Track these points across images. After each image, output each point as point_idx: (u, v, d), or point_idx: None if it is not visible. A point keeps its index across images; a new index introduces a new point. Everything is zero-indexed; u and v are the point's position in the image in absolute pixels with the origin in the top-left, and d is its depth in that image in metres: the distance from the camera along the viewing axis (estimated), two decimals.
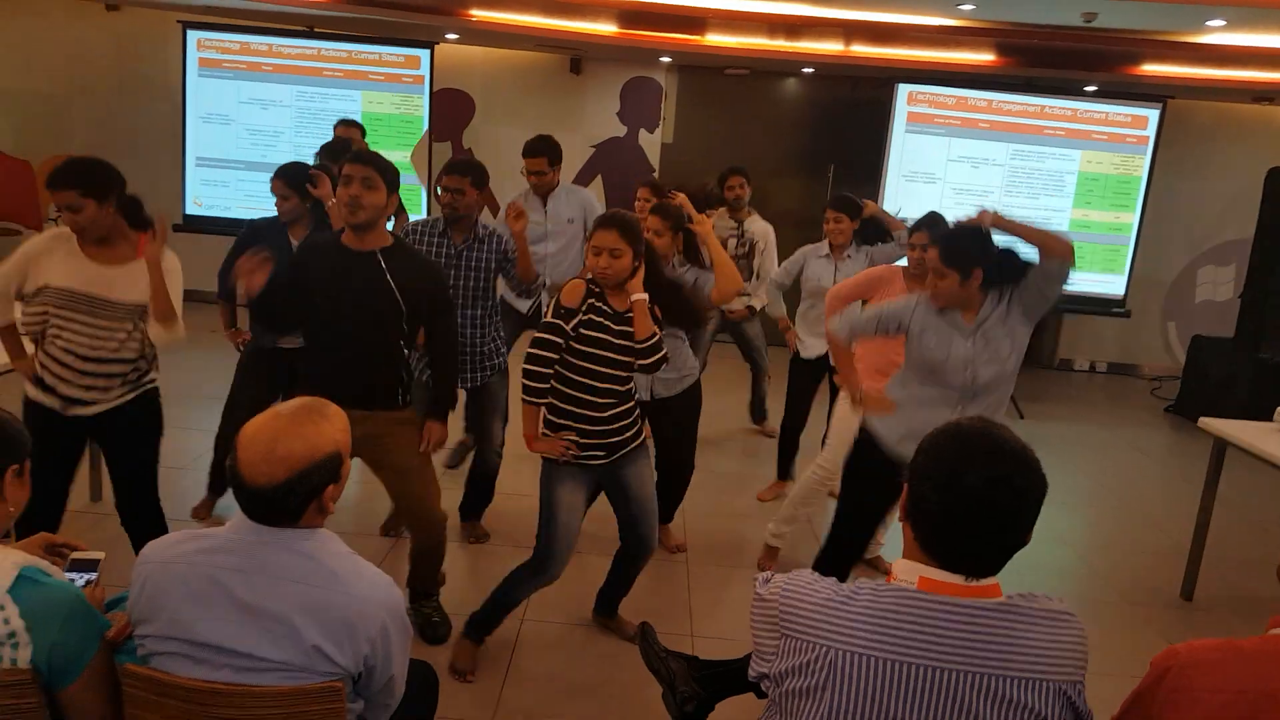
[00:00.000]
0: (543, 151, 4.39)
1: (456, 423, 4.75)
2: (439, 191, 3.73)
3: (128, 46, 7.97)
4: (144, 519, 3.10)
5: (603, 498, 3.19)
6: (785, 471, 4.92)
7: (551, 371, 2.88)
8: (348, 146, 4.42)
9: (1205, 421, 4.03)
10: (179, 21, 7.50)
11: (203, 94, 7.59)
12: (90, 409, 2.93)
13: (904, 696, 1.42)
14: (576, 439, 2.92)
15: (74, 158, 2.85)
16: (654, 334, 2.88)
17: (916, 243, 3.62)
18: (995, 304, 2.92)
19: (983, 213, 2.95)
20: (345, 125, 5.62)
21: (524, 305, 4.48)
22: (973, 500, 1.42)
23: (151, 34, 7.82)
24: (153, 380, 3.09)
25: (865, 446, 3.12)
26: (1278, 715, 1.47)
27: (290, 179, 3.71)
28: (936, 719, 1.42)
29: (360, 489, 4.39)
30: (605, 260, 2.80)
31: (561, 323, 2.84)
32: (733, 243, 5.38)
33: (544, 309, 3.72)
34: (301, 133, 7.54)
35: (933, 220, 3.66)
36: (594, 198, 4.64)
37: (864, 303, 3.76)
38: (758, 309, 5.40)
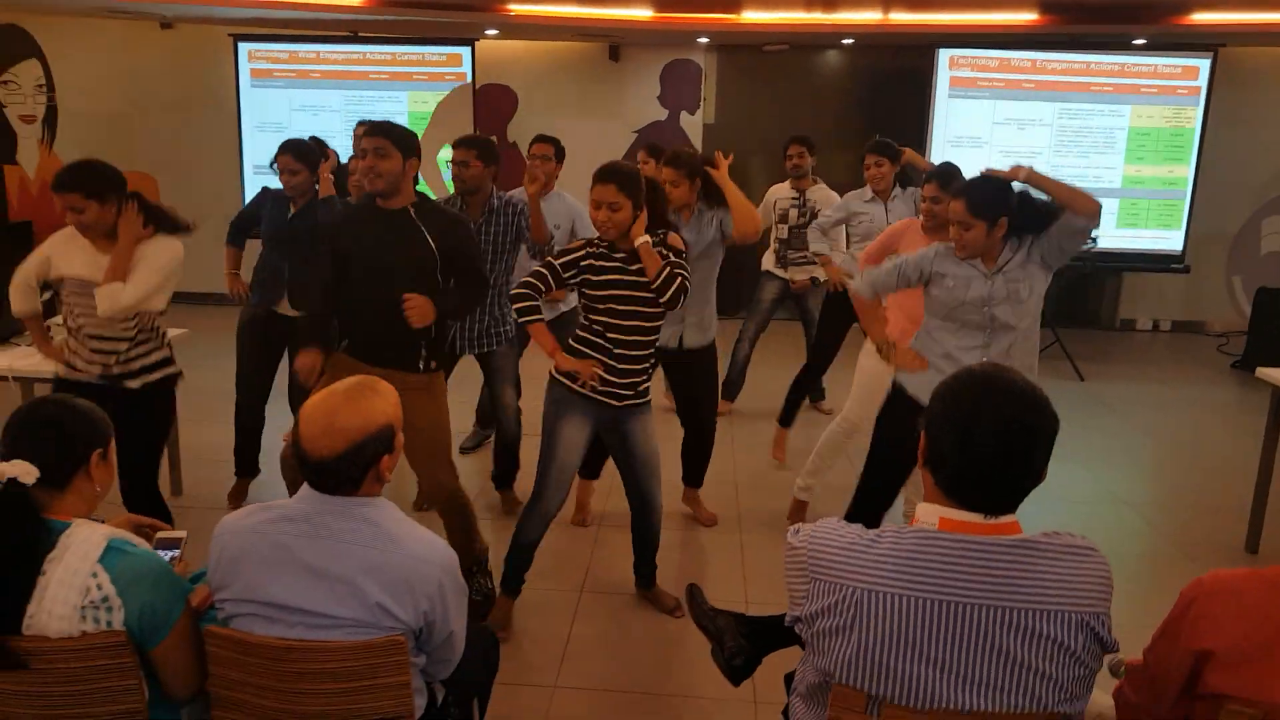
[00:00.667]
0: (551, 141, 4.60)
1: (468, 415, 4.96)
2: (449, 165, 3.98)
3: (183, 62, 8.25)
4: (143, 503, 3.23)
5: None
6: (789, 419, 4.96)
7: (534, 297, 3.02)
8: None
9: (1263, 371, 3.98)
10: (230, 35, 7.75)
11: (256, 104, 7.84)
12: (110, 377, 3.12)
13: (929, 631, 1.48)
14: (602, 372, 3.04)
15: (77, 161, 3.05)
16: (663, 268, 2.94)
17: (927, 194, 3.66)
18: (1014, 250, 3.01)
19: (1016, 167, 3.00)
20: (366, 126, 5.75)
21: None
22: (987, 441, 1.48)
23: (204, 48, 8.09)
24: (169, 369, 3.26)
25: (897, 398, 3.20)
26: None
27: (300, 153, 3.92)
28: (961, 652, 1.47)
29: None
30: (605, 214, 2.93)
31: (554, 260, 3.02)
32: (794, 212, 5.40)
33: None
34: (352, 137, 7.73)
35: (943, 171, 3.70)
36: (583, 209, 4.71)
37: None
38: (821, 280, 5.35)
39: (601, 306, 3.02)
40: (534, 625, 3.32)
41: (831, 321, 4.89)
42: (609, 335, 3.03)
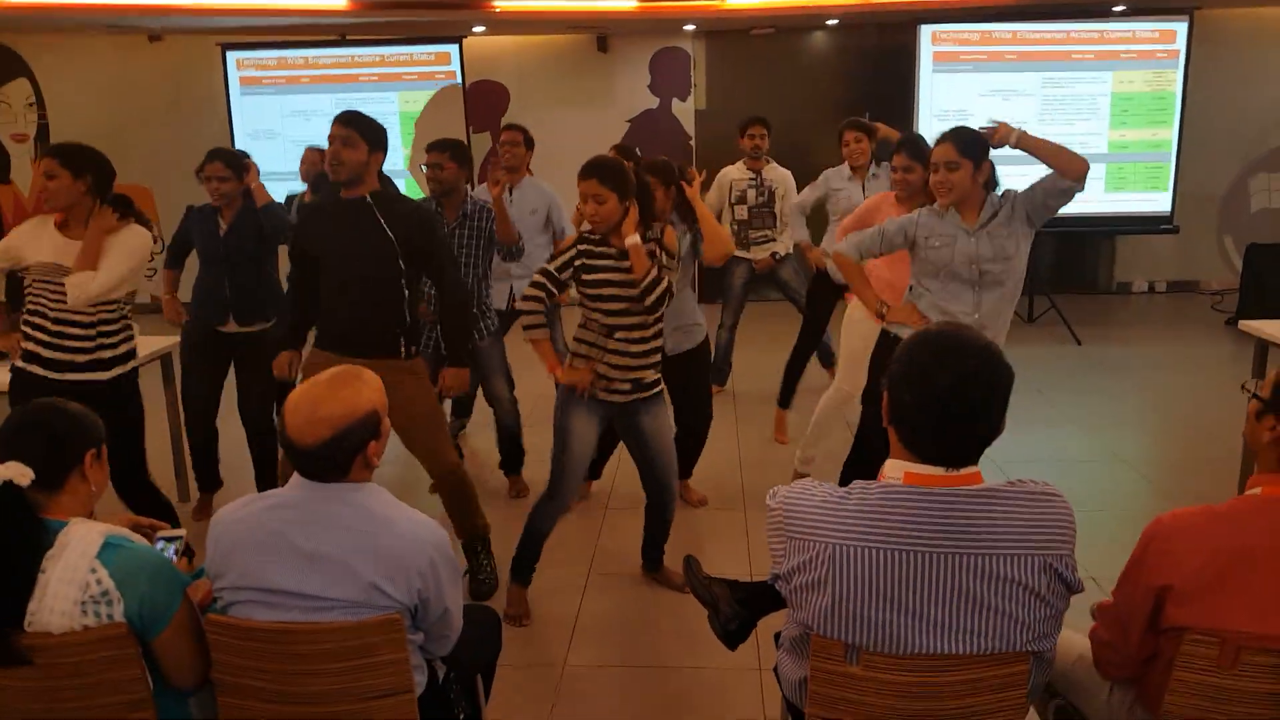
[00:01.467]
0: (519, 128, 4.68)
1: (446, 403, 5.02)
2: (423, 169, 4.00)
3: (173, 74, 8.33)
4: (140, 496, 3.29)
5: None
6: (787, 399, 5.03)
7: (541, 308, 3.08)
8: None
9: (1247, 324, 4.06)
10: (218, 44, 7.82)
11: (247, 111, 7.92)
12: (69, 373, 3.11)
13: (899, 580, 1.55)
14: (599, 373, 3.10)
15: (70, 142, 3.13)
16: (649, 271, 2.99)
17: (898, 164, 3.72)
18: (996, 207, 3.08)
19: (1003, 126, 3.07)
20: None
21: (502, 301, 4.62)
22: (945, 396, 1.54)
23: (193, 59, 8.16)
24: (129, 365, 3.26)
25: (888, 350, 3.26)
26: (1248, 567, 1.58)
27: (230, 160, 3.91)
28: (930, 598, 1.55)
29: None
30: (592, 207, 2.98)
31: (548, 265, 3.09)
32: (752, 193, 5.45)
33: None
34: None
35: (910, 139, 3.79)
36: (557, 196, 4.79)
37: None
38: (782, 254, 5.45)
39: (595, 303, 3.08)
40: (542, 606, 3.40)
41: (817, 300, 4.96)
42: (605, 331, 3.09)
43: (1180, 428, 5.26)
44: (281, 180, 7.96)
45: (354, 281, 3.14)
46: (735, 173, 5.53)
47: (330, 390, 1.80)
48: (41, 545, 1.72)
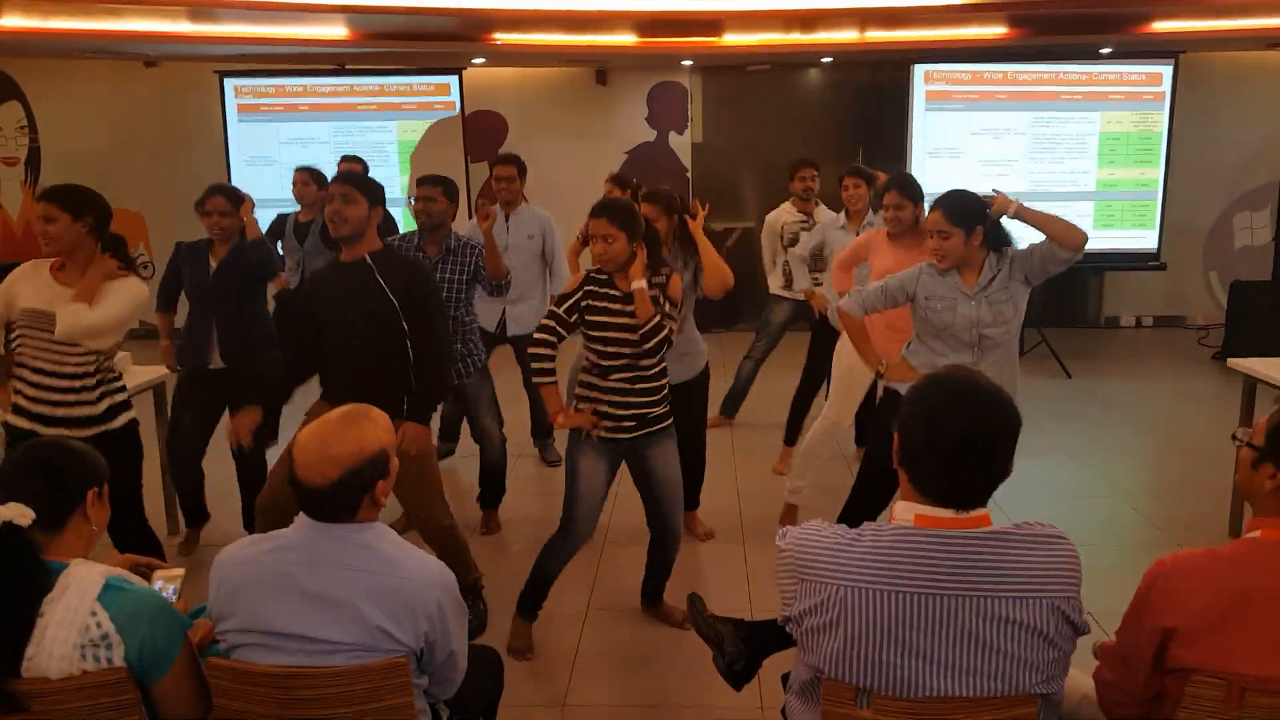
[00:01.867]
0: (512, 161, 4.74)
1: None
2: (413, 202, 4.03)
3: (169, 100, 8.34)
4: (134, 538, 3.23)
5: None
6: (793, 437, 5.02)
7: (552, 354, 3.08)
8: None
9: (1234, 361, 4.15)
10: (215, 71, 7.84)
11: (244, 138, 7.93)
12: (56, 427, 3.01)
13: (910, 623, 1.56)
14: (601, 413, 3.11)
15: (67, 184, 3.08)
16: (652, 317, 3.01)
17: (889, 202, 3.76)
18: (995, 267, 3.10)
19: (1001, 197, 3.09)
20: (347, 161, 5.75)
21: (491, 323, 4.66)
22: (956, 438, 1.57)
23: (190, 85, 8.17)
24: (125, 415, 3.20)
25: (888, 408, 3.28)
26: (1249, 609, 1.60)
27: (230, 195, 3.91)
28: (941, 641, 1.56)
29: None
30: (600, 247, 3.01)
31: (556, 308, 3.09)
32: (804, 235, 5.33)
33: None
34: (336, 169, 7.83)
35: (900, 177, 3.84)
36: (552, 220, 4.84)
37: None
38: None
39: (596, 343, 3.10)
40: (541, 641, 3.38)
41: (821, 349, 4.89)
42: (607, 370, 3.10)
43: (1170, 460, 5.31)
44: (278, 207, 7.96)
45: (360, 347, 3.15)
46: (786, 216, 5.43)
47: (341, 428, 1.80)
48: (42, 588, 1.69)
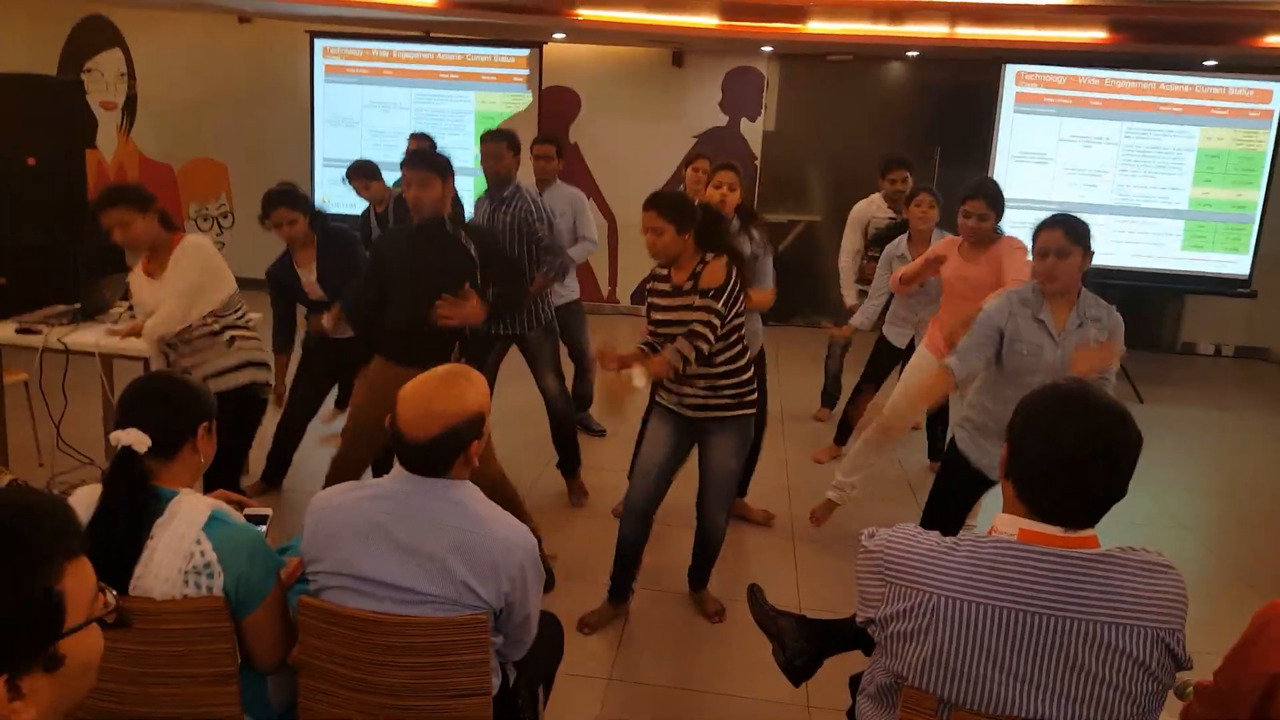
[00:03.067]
0: (552, 140, 4.86)
1: None
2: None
3: (259, 56, 8.50)
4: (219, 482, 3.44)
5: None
6: (843, 439, 5.01)
7: (652, 328, 3.19)
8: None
9: None
10: (306, 31, 7.96)
11: (330, 99, 8.04)
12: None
13: (1005, 640, 1.52)
14: (665, 384, 3.18)
15: (110, 185, 3.34)
16: (674, 359, 2.98)
17: (972, 210, 3.66)
18: (1082, 316, 2.93)
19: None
20: (416, 139, 5.70)
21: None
22: (1072, 453, 1.51)
23: (281, 43, 8.33)
24: (245, 376, 3.48)
25: (953, 461, 3.21)
26: None
27: (291, 201, 3.87)
28: (1036, 661, 1.51)
29: None
30: (650, 239, 3.05)
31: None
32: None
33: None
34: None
35: (989, 186, 3.72)
36: (584, 198, 4.89)
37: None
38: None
39: (653, 326, 3.20)
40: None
41: (884, 364, 4.86)
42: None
43: (1243, 498, 5.13)
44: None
45: (433, 301, 3.21)
46: (876, 210, 5.28)
47: (444, 386, 1.83)
48: (153, 512, 1.75)
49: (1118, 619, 1.50)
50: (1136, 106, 7.25)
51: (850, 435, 4.97)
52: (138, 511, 1.75)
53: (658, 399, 3.26)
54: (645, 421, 3.26)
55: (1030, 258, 2.98)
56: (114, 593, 1.11)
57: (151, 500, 1.77)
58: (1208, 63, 7.17)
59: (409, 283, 3.29)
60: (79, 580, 1.04)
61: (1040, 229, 2.92)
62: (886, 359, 4.82)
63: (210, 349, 3.43)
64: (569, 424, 4.38)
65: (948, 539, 1.62)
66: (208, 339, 3.42)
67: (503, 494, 3.39)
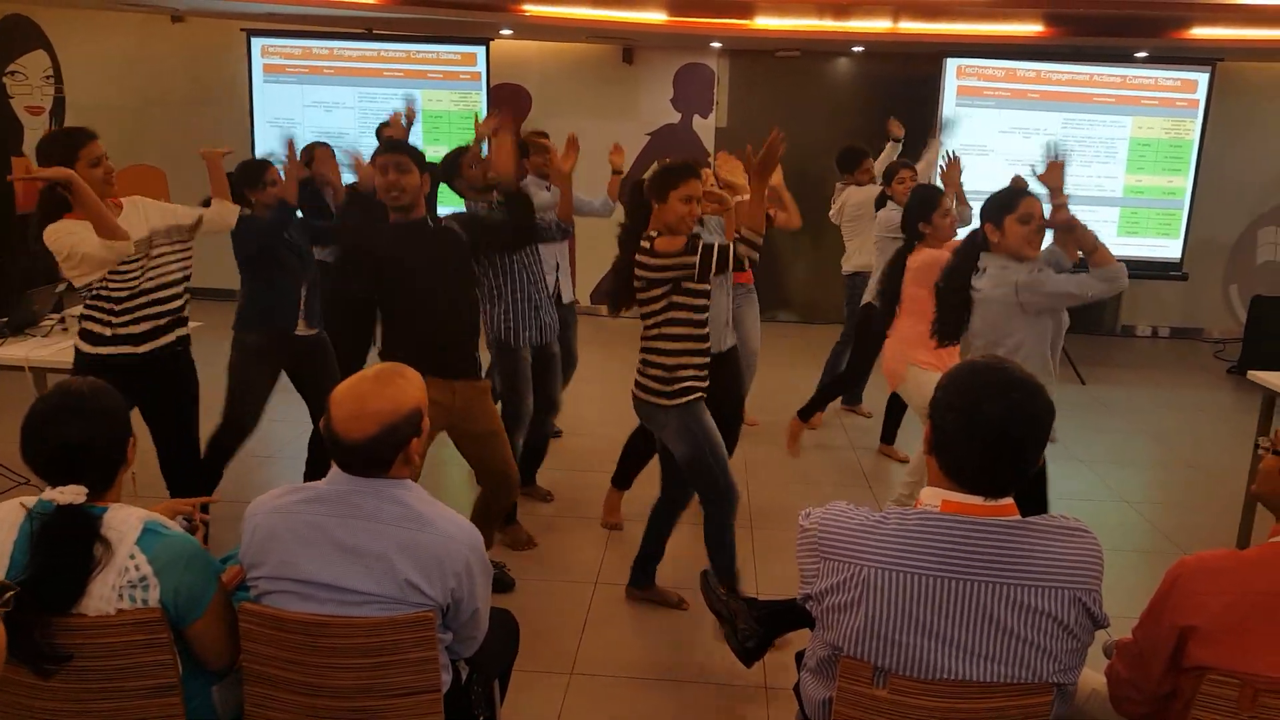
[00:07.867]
0: (548, 135, 4.91)
1: None
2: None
3: (195, 56, 8.30)
4: (189, 467, 3.41)
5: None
6: (808, 414, 5.00)
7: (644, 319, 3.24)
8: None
9: (1254, 374, 4.13)
10: (243, 30, 7.82)
11: (269, 99, 7.92)
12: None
13: (931, 605, 1.57)
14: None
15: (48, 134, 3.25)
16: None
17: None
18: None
19: (1063, 212, 3.05)
20: (389, 129, 5.69)
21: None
22: (991, 426, 1.57)
23: (217, 43, 8.16)
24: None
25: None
26: (1270, 613, 1.61)
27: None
28: (962, 625, 1.57)
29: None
30: (694, 208, 3.18)
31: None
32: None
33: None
34: (365, 133, 7.80)
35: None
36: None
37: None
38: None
39: (647, 319, 3.22)
40: (549, 617, 3.40)
41: (865, 342, 4.89)
42: None
43: (1181, 471, 5.30)
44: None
45: (433, 297, 3.13)
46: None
47: (378, 386, 1.82)
48: (94, 547, 1.70)
49: (1037, 581, 1.57)
50: (1072, 98, 7.44)
51: (812, 413, 5.03)
52: (84, 554, 1.69)
53: None
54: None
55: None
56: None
57: (94, 536, 1.71)
58: (1138, 55, 7.37)
59: (416, 279, 3.12)
60: None
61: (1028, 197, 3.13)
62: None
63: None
64: (543, 439, 4.37)
65: (876, 513, 1.68)
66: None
67: (509, 486, 3.37)
